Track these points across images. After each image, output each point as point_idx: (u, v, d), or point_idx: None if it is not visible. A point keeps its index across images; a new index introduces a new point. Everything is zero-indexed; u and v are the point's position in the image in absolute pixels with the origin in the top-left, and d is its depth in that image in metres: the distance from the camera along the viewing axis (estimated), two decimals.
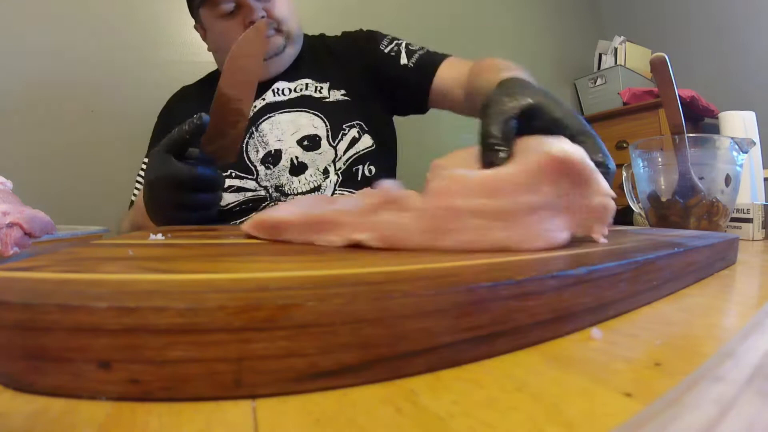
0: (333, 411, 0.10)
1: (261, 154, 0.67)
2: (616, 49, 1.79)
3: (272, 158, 0.66)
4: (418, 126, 1.07)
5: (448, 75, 0.68)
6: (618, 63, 1.76)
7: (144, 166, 0.72)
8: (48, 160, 1.04)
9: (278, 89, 0.71)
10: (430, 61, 0.70)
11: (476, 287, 0.13)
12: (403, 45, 0.73)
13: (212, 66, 0.85)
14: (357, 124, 0.68)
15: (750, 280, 0.29)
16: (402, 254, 0.20)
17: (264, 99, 0.70)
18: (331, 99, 0.70)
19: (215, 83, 0.69)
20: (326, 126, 0.68)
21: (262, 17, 0.64)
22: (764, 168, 0.84)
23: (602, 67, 1.82)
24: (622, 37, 1.79)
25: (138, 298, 0.11)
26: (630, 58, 1.76)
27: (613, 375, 0.12)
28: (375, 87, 0.72)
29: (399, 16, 1.48)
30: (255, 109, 0.69)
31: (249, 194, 0.66)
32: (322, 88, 0.71)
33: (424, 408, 0.10)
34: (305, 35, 0.77)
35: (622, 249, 0.23)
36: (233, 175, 0.67)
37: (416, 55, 0.70)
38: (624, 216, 0.85)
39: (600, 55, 1.86)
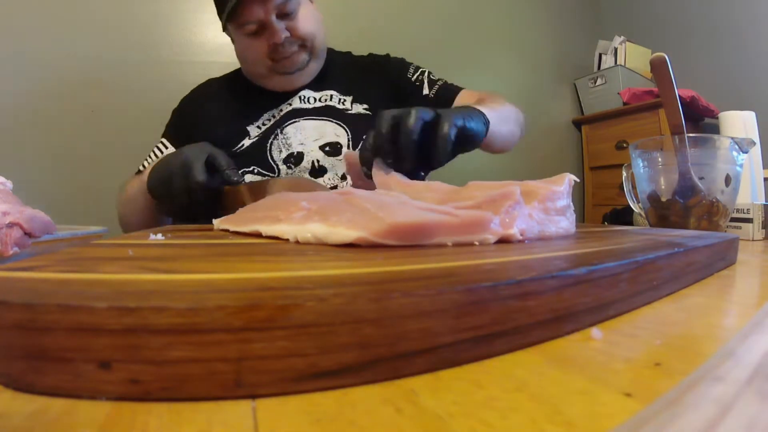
0: (333, 411, 0.10)
1: (284, 155, 0.70)
2: (616, 49, 1.79)
3: (294, 159, 0.70)
4: None
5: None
6: (618, 63, 1.76)
7: (159, 146, 0.75)
8: (48, 160, 1.04)
9: (305, 97, 0.75)
10: (448, 93, 0.74)
11: (476, 287, 0.13)
12: (426, 74, 0.78)
13: (213, 66, 0.85)
14: None
15: (750, 280, 0.29)
16: (402, 254, 0.20)
17: (290, 104, 0.74)
18: (353, 111, 0.75)
19: (240, 82, 0.78)
20: (348, 135, 0.72)
21: (286, 37, 0.67)
22: (764, 168, 0.84)
23: (602, 67, 1.83)
24: (622, 37, 1.79)
25: (138, 298, 0.11)
26: (630, 58, 1.76)
27: (613, 375, 0.12)
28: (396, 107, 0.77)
29: (399, 16, 1.48)
30: (281, 113, 0.74)
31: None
32: (345, 100, 0.76)
33: (424, 408, 0.10)
34: (332, 50, 0.81)
35: (622, 249, 0.23)
36: (255, 171, 0.70)
37: (436, 86, 0.75)
38: (624, 216, 0.85)
39: (600, 55, 1.86)
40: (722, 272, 0.30)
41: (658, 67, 0.50)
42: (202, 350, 0.10)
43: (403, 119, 0.40)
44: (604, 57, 1.84)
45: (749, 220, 0.59)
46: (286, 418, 0.10)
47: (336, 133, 0.72)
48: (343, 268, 0.16)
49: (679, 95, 0.51)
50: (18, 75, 1.00)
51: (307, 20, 0.69)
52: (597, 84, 1.79)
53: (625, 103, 1.65)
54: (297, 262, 0.19)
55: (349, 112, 0.75)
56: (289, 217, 0.28)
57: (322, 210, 0.27)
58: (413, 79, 0.77)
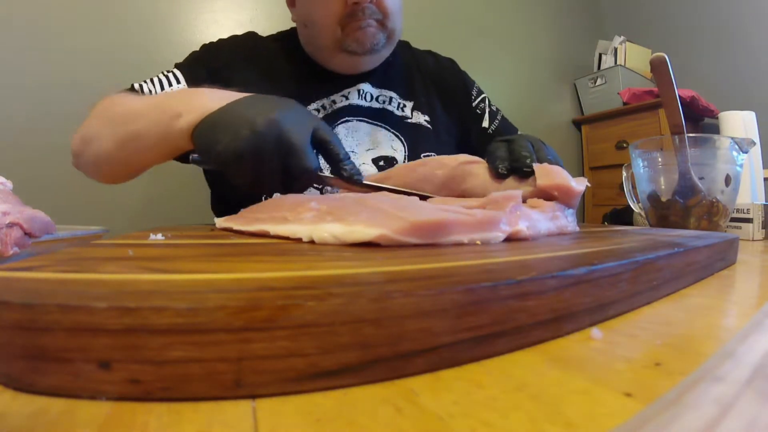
0: (333, 411, 0.10)
1: None
2: (616, 49, 1.79)
3: None
4: None
5: None
6: (618, 63, 1.76)
7: (169, 76, 0.58)
8: (48, 160, 1.03)
9: (363, 92, 0.64)
10: (506, 132, 0.70)
11: (476, 287, 0.13)
12: (487, 103, 0.72)
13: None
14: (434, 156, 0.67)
15: (750, 280, 0.29)
16: (402, 254, 0.20)
17: (347, 97, 0.63)
18: (413, 120, 0.66)
19: (294, 51, 0.63)
20: (405, 150, 0.63)
21: (370, 2, 0.56)
22: (764, 168, 0.84)
23: (602, 67, 1.83)
24: (622, 37, 1.79)
25: (138, 298, 0.11)
26: (630, 58, 1.76)
27: (613, 375, 0.12)
28: (455, 130, 0.70)
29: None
30: (335, 106, 0.63)
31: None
32: (405, 106, 0.66)
33: (424, 408, 0.10)
34: None
35: (622, 249, 0.23)
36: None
37: (496, 121, 0.71)
38: (624, 216, 0.85)
39: (600, 55, 1.86)
40: (722, 272, 0.30)
41: (658, 67, 0.50)
42: (202, 350, 0.10)
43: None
44: (604, 57, 1.84)
45: (749, 220, 0.59)
46: (286, 418, 0.10)
47: (392, 145, 0.63)
48: (343, 268, 0.16)
49: (679, 95, 0.51)
50: (18, 75, 1.00)
51: None
52: (597, 84, 1.79)
53: (625, 103, 1.65)
54: (297, 262, 0.19)
55: (409, 120, 0.66)
56: (298, 218, 0.28)
57: (333, 210, 0.27)
58: (475, 105, 0.72)
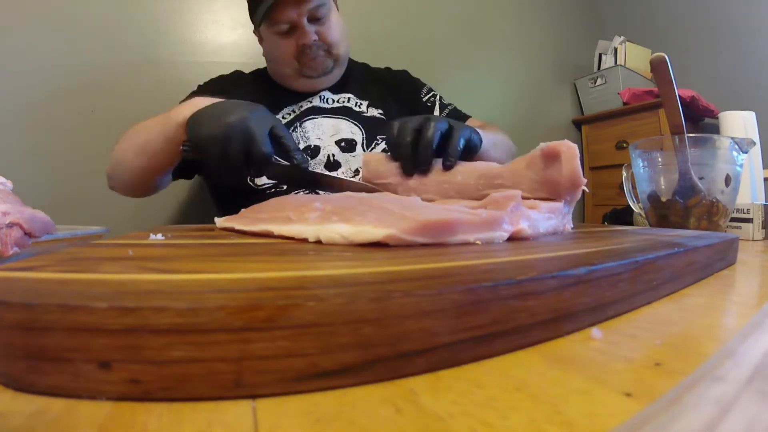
0: (333, 411, 0.10)
1: (301, 146, 0.74)
2: (616, 49, 1.79)
3: (311, 152, 0.74)
4: None
5: None
6: (618, 63, 1.75)
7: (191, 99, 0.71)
8: (48, 160, 1.03)
9: (324, 97, 0.80)
10: (457, 119, 0.78)
11: (476, 287, 0.13)
12: (438, 98, 0.84)
13: (213, 66, 0.85)
14: None
15: (750, 280, 0.29)
16: (402, 254, 0.20)
17: (310, 102, 0.79)
18: (368, 114, 0.80)
19: (266, 80, 0.81)
20: (363, 134, 0.76)
21: (315, 40, 0.72)
22: (764, 168, 0.84)
23: (602, 67, 1.82)
24: (622, 37, 1.79)
25: (138, 298, 0.11)
26: (630, 58, 1.76)
27: (613, 375, 0.12)
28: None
29: (399, 16, 1.48)
30: (301, 109, 0.77)
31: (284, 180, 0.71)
32: (362, 104, 0.81)
33: (424, 408, 0.10)
34: (352, 60, 0.86)
35: (622, 249, 0.23)
36: (273, 159, 0.70)
37: (446, 110, 0.82)
38: (624, 216, 0.85)
39: (600, 55, 1.86)
40: (722, 272, 0.30)
41: (658, 67, 0.50)
42: (202, 350, 0.10)
43: (424, 130, 0.45)
44: (604, 57, 1.84)
45: (749, 220, 0.59)
46: (286, 418, 0.10)
47: (351, 130, 0.76)
48: (343, 268, 0.16)
49: (679, 95, 0.51)
50: (18, 75, 1.00)
51: (335, 28, 0.74)
52: (597, 84, 1.79)
53: (625, 103, 1.65)
54: (297, 263, 0.19)
55: (365, 114, 0.80)
56: (302, 218, 0.28)
57: (338, 211, 0.27)
58: (425, 99, 0.83)
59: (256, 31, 0.78)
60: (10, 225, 0.29)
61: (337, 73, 0.79)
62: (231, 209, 0.47)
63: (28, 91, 1.02)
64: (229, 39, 1.20)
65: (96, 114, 1.08)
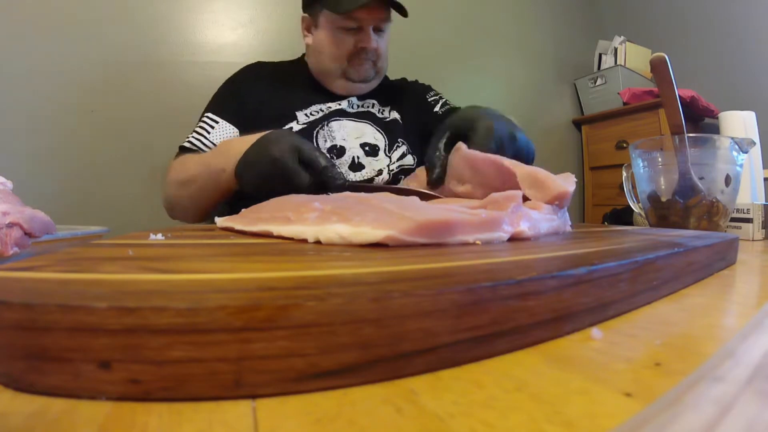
0: (333, 411, 0.10)
1: (328, 145, 0.76)
2: (616, 49, 1.79)
3: (337, 151, 0.77)
4: None
5: None
6: (618, 63, 1.76)
7: (207, 120, 0.76)
8: (48, 160, 1.03)
9: (351, 102, 0.84)
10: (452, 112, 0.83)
11: (476, 287, 0.13)
12: (442, 98, 0.90)
13: (213, 66, 0.85)
14: (405, 143, 0.83)
15: (750, 280, 0.29)
16: (402, 254, 0.20)
17: (339, 105, 0.82)
18: (390, 118, 0.86)
19: (301, 71, 0.84)
20: (385, 140, 0.82)
21: (374, 48, 0.77)
22: (764, 168, 0.84)
23: (602, 67, 1.82)
24: (622, 37, 1.79)
25: (138, 298, 0.11)
26: (630, 58, 1.76)
27: (613, 375, 0.12)
28: (417, 122, 0.88)
29: (398, 17, 1.47)
30: (330, 110, 0.80)
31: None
32: (384, 110, 0.87)
33: (424, 408, 0.10)
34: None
35: (622, 249, 0.23)
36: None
37: (446, 107, 0.87)
38: (624, 216, 0.85)
39: (600, 55, 1.86)
40: (722, 272, 0.30)
41: (658, 67, 0.50)
42: (202, 350, 0.10)
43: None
44: (604, 57, 1.84)
45: (749, 220, 0.59)
46: (286, 418, 0.10)
47: (375, 136, 0.81)
48: (343, 268, 0.16)
49: (679, 95, 0.51)
50: (18, 75, 1.00)
51: (387, 43, 0.81)
52: (597, 84, 1.79)
53: (625, 103, 1.65)
54: (297, 262, 0.19)
55: (387, 120, 0.85)
56: (302, 218, 0.28)
57: (337, 211, 0.27)
58: (429, 99, 0.90)
59: (311, 18, 0.79)
60: (10, 225, 0.29)
61: (374, 84, 0.85)
62: (232, 210, 0.47)
63: (29, 91, 1.02)
64: (229, 39, 1.20)
65: (96, 114, 1.08)
